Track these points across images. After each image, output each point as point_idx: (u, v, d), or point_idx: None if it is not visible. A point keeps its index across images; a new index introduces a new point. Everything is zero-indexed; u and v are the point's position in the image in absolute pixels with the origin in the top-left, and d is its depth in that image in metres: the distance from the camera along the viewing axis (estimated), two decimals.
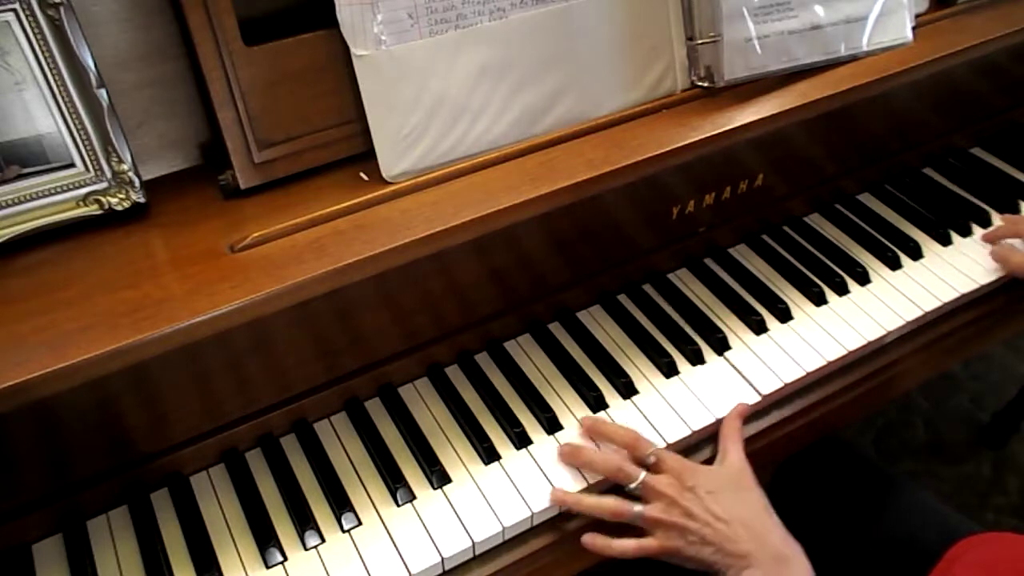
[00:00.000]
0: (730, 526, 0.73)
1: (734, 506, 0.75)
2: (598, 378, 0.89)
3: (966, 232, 1.07)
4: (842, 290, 0.99)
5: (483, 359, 0.92)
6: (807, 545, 0.76)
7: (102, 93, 0.73)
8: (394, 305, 0.82)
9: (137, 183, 0.77)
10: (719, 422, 0.85)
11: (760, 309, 0.96)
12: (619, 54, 0.88)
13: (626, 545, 0.76)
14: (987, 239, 1.06)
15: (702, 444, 0.87)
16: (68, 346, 0.64)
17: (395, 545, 0.75)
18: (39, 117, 0.73)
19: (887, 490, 0.80)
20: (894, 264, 1.03)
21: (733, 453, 0.81)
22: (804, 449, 0.96)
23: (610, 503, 0.77)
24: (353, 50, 0.77)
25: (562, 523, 0.80)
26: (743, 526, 0.74)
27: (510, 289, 0.90)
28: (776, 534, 0.75)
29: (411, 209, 0.78)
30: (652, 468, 0.78)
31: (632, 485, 0.77)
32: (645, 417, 0.85)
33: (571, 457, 0.81)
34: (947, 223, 1.07)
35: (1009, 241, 1.04)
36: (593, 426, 0.83)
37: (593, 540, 0.77)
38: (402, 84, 0.79)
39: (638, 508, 0.76)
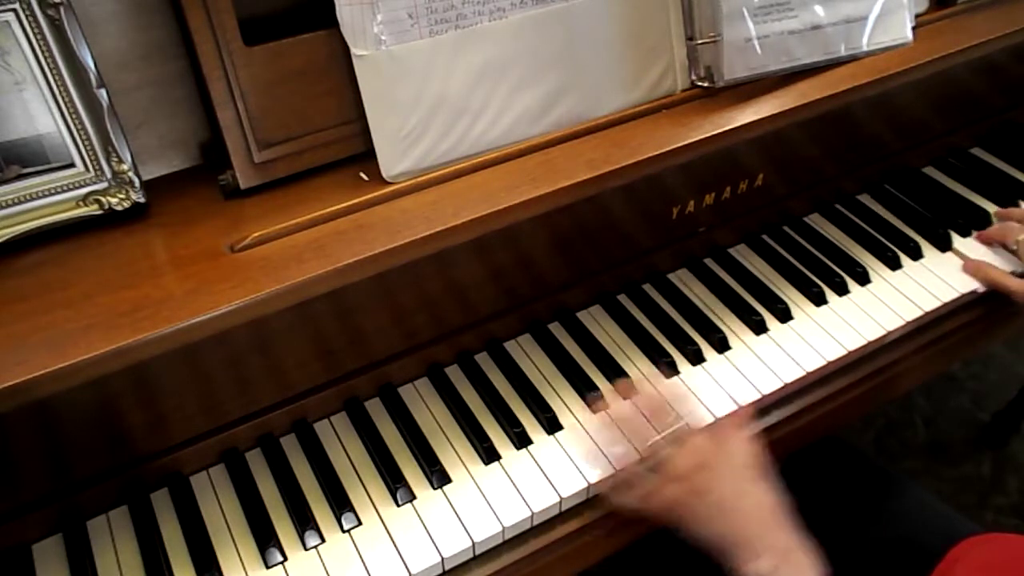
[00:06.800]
0: (742, 512, 0.73)
1: (752, 494, 0.74)
2: (598, 378, 0.89)
3: (966, 232, 1.07)
4: (842, 290, 0.99)
5: (483, 359, 0.92)
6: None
7: (102, 93, 0.73)
8: (394, 305, 0.82)
9: (137, 183, 0.77)
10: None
11: (760, 309, 0.96)
12: (619, 54, 0.88)
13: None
14: (980, 239, 1.05)
15: None
16: (68, 346, 0.64)
17: (395, 545, 0.75)
18: (39, 117, 0.73)
19: (888, 490, 0.80)
20: (894, 264, 1.03)
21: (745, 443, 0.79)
22: (804, 449, 0.96)
23: (641, 420, 0.79)
24: (353, 50, 0.77)
25: (562, 524, 0.80)
26: (757, 510, 0.73)
27: (510, 289, 0.90)
28: (787, 529, 0.74)
29: (411, 209, 0.78)
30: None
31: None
32: (645, 417, 0.85)
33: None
34: (947, 223, 1.07)
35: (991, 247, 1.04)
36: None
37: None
38: (402, 84, 0.79)
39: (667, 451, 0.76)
